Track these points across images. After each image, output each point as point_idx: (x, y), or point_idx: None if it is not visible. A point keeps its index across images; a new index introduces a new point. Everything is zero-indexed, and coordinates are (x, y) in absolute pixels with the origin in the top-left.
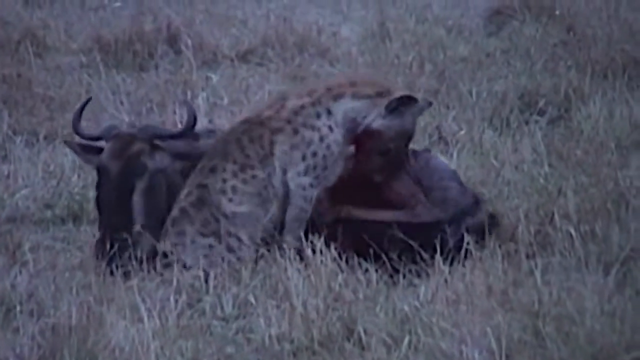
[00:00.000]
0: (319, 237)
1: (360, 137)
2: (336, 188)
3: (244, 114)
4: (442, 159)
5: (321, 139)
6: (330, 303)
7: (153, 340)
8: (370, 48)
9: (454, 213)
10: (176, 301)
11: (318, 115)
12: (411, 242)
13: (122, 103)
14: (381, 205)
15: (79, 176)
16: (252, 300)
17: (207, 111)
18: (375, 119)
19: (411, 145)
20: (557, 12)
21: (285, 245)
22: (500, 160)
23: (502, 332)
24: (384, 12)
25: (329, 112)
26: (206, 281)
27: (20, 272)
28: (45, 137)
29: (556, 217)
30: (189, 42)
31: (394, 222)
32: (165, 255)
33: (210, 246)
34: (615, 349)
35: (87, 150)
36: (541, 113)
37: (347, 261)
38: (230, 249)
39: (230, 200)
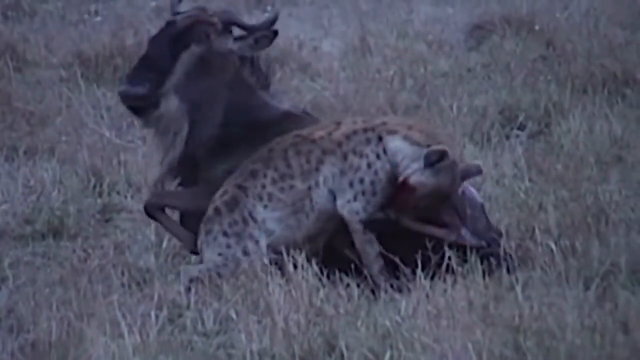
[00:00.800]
0: (300, 252)
1: (397, 187)
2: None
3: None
4: (473, 189)
5: (369, 166)
6: (312, 318)
7: (134, 356)
8: (352, 63)
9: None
10: (157, 316)
11: (368, 141)
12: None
13: (102, 117)
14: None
15: (59, 191)
16: (234, 315)
17: None
18: (414, 172)
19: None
20: (537, 27)
21: (377, 282)
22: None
23: (483, 347)
24: (365, 27)
25: (379, 139)
26: (187, 296)
27: (0, 288)
28: (25, 152)
29: (537, 231)
30: None
31: (441, 238)
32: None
33: (228, 246)
34: None
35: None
36: (521, 128)
37: (328, 276)
38: (245, 252)
39: (265, 207)
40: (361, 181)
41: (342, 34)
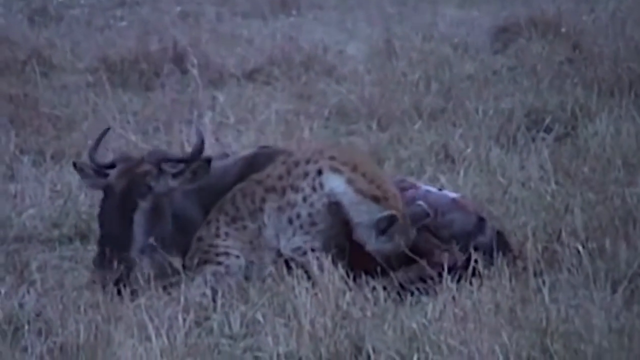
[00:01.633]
0: (326, 255)
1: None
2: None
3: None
4: (433, 187)
5: (304, 199)
6: (338, 321)
7: (161, 358)
8: (377, 66)
9: (463, 242)
10: (184, 320)
11: (305, 175)
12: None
13: (128, 122)
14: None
15: (86, 195)
16: (260, 318)
17: (213, 130)
18: (369, 240)
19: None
20: (563, 30)
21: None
22: (507, 178)
23: (510, 349)
24: (390, 30)
25: (319, 173)
26: (214, 300)
27: (28, 291)
28: (52, 157)
29: (563, 234)
30: (195, 61)
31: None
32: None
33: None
34: None
35: (99, 174)
36: (548, 130)
37: (354, 279)
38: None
39: (224, 240)
40: (298, 216)
41: (367, 37)
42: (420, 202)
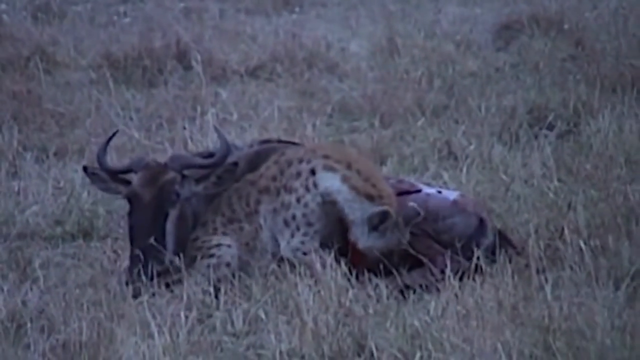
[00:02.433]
0: (329, 253)
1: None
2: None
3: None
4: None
5: (298, 200)
6: (341, 318)
7: (164, 356)
8: (379, 63)
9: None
10: (186, 317)
11: (298, 175)
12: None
13: (131, 119)
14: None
15: (89, 192)
16: (263, 316)
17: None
18: (361, 237)
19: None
20: (566, 27)
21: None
22: (510, 175)
23: (513, 347)
24: (393, 27)
25: (312, 173)
26: (216, 297)
27: (31, 288)
28: (55, 153)
29: (566, 231)
30: (198, 58)
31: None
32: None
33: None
34: None
35: (114, 179)
36: (550, 127)
37: (357, 277)
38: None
39: (217, 235)
40: (294, 217)
41: (370, 34)
42: (411, 203)
